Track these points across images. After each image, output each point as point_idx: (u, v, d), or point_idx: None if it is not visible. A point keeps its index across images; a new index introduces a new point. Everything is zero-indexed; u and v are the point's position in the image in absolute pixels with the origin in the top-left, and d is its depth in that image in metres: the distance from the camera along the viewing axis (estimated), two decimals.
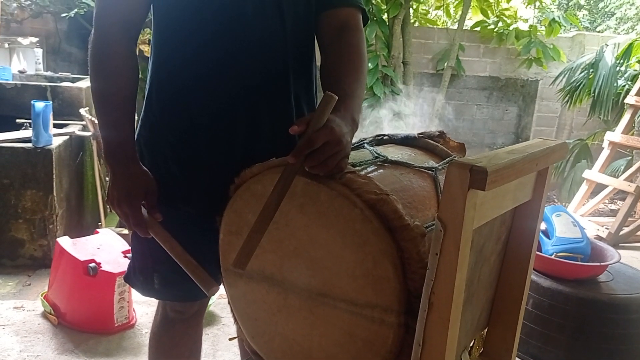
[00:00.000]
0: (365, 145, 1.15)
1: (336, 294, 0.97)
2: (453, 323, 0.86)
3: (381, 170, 1.04)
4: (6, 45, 4.52)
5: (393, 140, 1.21)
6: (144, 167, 1.19)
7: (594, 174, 4.15)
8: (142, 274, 1.33)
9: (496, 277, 1.14)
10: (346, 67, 1.13)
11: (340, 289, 0.96)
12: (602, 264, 2.21)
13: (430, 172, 1.09)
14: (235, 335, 1.30)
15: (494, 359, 1.20)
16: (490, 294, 1.15)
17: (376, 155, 1.08)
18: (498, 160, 0.83)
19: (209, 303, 2.44)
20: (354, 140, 1.17)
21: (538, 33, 5.13)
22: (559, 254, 2.22)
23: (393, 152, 1.12)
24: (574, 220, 2.31)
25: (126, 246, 2.42)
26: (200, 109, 1.17)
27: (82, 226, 3.45)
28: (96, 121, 3.12)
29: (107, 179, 3.46)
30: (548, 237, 2.32)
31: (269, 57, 1.16)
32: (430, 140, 1.20)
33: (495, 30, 5.17)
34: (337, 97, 0.95)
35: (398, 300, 0.91)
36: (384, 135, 1.22)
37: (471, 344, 1.17)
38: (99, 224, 3.33)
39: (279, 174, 0.96)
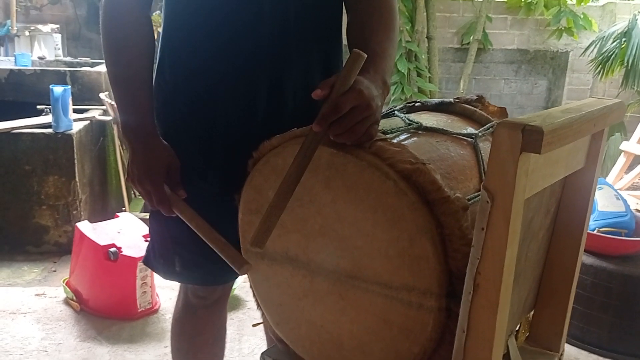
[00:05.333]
0: (396, 112, 1.04)
1: (368, 276, 0.87)
2: (502, 307, 0.76)
3: (415, 138, 0.94)
4: (27, 33, 4.50)
5: (426, 106, 1.11)
6: (165, 142, 1.11)
7: (632, 145, 3.96)
8: (162, 256, 1.25)
9: (544, 254, 1.03)
10: (375, 24, 1.02)
11: (372, 271, 0.87)
12: None
13: (469, 139, 0.98)
14: (260, 321, 1.22)
15: (542, 343, 1.09)
16: (538, 273, 1.04)
17: (409, 122, 0.97)
18: (553, 119, 0.72)
19: (233, 287, 2.38)
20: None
21: (568, 2, 4.92)
22: (601, 229, 2.10)
23: (427, 119, 1.02)
24: (616, 193, 2.18)
25: (147, 230, 2.36)
26: (218, 78, 1.07)
27: (107, 211, 3.41)
28: (113, 103, 3.07)
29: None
30: None
31: (287, 24, 1.06)
32: (467, 105, 1.09)
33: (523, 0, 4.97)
34: (365, 56, 0.84)
35: (438, 281, 0.81)
36: (416, 101, 1.11)
37: (517, 328, 1.07)
38: (123, 209, 3.29)
39: (299, 145, 0.86)
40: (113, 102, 3.13)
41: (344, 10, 1.12)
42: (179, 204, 1.07)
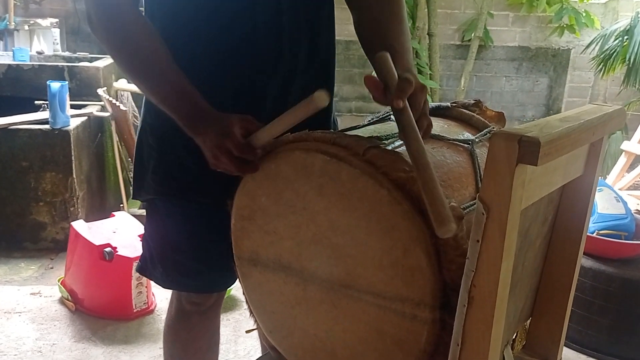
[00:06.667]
0: (392, 117, 1.02)
1: (361, 286, 0.86)
2: (497, 320, 0.74)
3: None
4: (26, 27, 4.47)
5: None
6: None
7: (633, 145, 3.93)
8: (161, 263, 1.22)
9: (541, 262, 1.02)
10: (389, 18, 1.01)
11: (366, 280, 0.85)
12: None
13: (466, 145, 0.96)
14: (254, 327, 1.20)
15: (539, 351, 1.08)
16: (535, 282, 1.03)
17: None
18: (551, 129, 0.70)
19: (230, 288, 2.36)
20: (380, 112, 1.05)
21: None
22: (601, 232, 2.08)
23: None
24: (616, 195, 2.16)
25: (142, 229, 2.35)
26: (211, 89, 1.05)
27: (105, 208, 3.40)
28: (111, 99, 3.04)
29: (128, 159, 3.39)
30: None
31: (282, 34, 1.05)
32: (464, 110, 1.07)
33: None
34: (388, 54, 0.86)
35: (432, 293, 0.80)
36: None
37: (513, 337, 1.05)
38: (121, 205, 3.28)
39: (293, 151, 0.84)
40: (111, 98, 3.10)
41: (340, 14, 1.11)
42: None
